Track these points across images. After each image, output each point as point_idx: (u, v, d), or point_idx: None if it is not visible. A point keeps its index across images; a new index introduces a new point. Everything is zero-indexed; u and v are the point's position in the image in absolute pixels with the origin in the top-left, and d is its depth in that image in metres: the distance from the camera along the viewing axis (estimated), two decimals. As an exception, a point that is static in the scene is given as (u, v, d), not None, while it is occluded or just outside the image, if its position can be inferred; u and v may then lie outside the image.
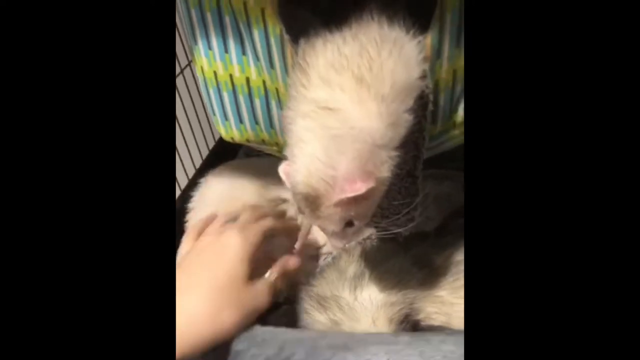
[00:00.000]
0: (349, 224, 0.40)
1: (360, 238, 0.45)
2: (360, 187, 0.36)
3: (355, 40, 0.37)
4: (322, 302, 0.57)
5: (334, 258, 0.65)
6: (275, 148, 0.49)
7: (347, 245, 0.68)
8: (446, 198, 0.72)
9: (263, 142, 0.49)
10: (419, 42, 0.38)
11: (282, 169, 0.40)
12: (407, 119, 0.39)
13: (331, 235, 0.41)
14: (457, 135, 0.48)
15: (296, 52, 0.41)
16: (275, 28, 0.41)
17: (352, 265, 0.61)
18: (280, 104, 0.46)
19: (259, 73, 0.44)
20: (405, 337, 0.49)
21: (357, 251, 0.65)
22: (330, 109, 0.36)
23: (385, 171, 0.38)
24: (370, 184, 0.37)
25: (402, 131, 0.39)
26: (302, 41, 0.40)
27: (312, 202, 0.38)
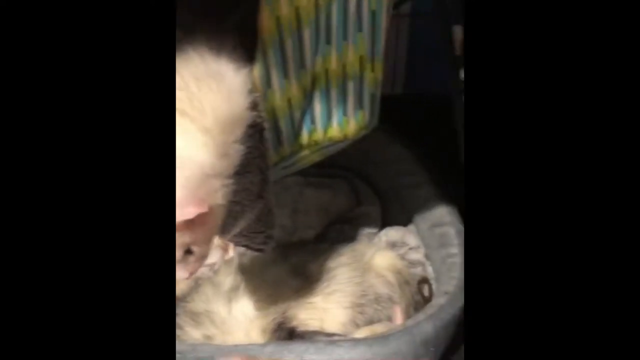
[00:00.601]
0: (188, 252, 0.41)
1: (203, 265, 0.46)
2: (190, 212, 0.37)
3: (178, 74, 0.39)
4: (195, 318, 0.59)
5: (214, 272, 0.67)
6: None
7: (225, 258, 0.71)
8: (326, 206, 0.76)
9: None
10: (244, 74, 0.40)
11: None
12: (238, 148, 0.40)
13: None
14: (307, 155, 0.51)
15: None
16: None
17: (229, 278, 0.63)
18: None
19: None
20: (270, 348, 0.52)
21: (235, 263, 0.67)
22: None
23: (219, 199, 0.40)
24: (202, 209, 0.38)
25: (234, 161, 0.40)
26: None
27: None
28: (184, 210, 0.37)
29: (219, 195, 0.40)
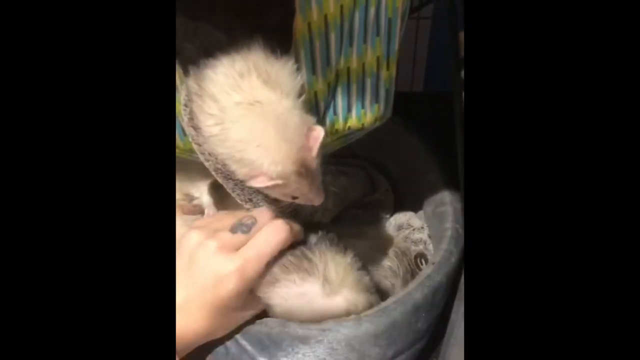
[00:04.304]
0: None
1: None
2: (318, 135, 0.46)
3: (247, 60, 0.46)
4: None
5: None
6: (185, 155, 0.57)
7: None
8: (343, 192, 0.83)
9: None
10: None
11: (258, 182, 0.46)
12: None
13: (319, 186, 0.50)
14: (329, 142, 0.58)
15: (185, 76, 0.49)
16: None
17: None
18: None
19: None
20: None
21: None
22: (257, 101, 0.45)
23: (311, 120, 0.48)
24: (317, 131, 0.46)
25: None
26: (191, 69, 0.48)
27: (306, 172, 0.46)
28: (313, 139, 0.46)
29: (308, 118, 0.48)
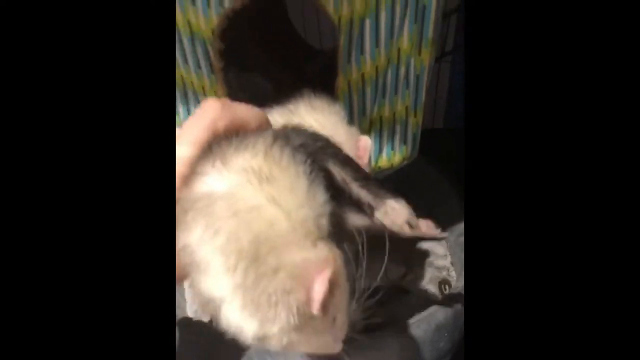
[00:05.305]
0: None
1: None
2: (366, 144, 0.52)
3: (295, 114, 0.53)
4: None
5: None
6: None
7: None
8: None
9: None
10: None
11: None
12: None
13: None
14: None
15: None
16: None
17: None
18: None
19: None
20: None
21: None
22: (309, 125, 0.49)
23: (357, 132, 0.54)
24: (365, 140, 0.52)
25: None
26: None
27: None
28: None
29: None
